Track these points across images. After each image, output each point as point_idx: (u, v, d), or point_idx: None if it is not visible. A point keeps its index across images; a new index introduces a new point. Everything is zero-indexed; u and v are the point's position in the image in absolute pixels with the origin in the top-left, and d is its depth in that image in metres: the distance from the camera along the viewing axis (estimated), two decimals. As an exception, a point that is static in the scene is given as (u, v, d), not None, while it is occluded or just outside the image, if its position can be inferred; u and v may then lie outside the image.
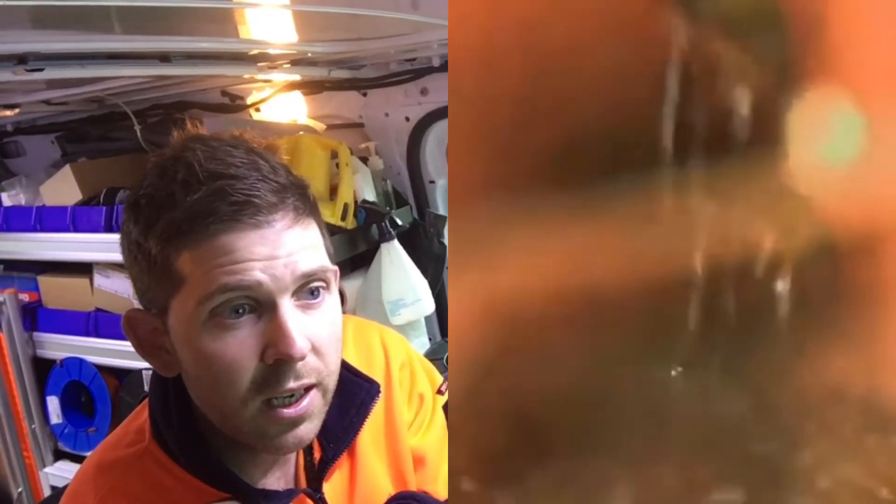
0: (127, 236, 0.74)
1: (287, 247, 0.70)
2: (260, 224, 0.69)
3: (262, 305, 0.70)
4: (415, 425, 0.94)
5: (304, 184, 0.76)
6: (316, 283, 0.73)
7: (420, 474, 0.92)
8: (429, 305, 1.99)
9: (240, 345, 0.70)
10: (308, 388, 0.73)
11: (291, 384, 0.71)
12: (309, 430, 0.74)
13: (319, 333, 0.73)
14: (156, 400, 0.80)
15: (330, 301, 0.75)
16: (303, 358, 0.70)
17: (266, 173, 0.71)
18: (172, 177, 0.70)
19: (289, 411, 0.72)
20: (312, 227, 0.74)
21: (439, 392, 0.98)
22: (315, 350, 0.72)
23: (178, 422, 0.78)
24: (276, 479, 0.82)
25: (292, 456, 0.84)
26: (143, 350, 0.77)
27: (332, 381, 0.76)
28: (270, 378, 0.70)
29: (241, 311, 0.70)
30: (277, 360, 0.70)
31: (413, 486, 0.92)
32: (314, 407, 0.74)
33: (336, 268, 0.78)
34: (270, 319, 0.70)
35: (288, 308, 0.70)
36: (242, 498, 0.77)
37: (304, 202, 0.73)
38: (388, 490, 0.89)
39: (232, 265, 0.68)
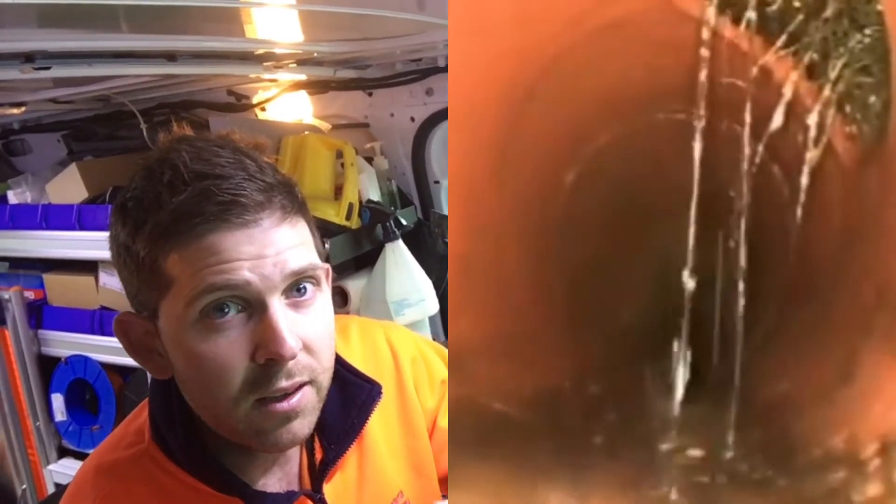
0: (115, 240, 0.74)
1: (275, 245, 0.70)
2: (247, 223, 0.69)
3: (251, 305, 0.70)
4: (442, 409, 0.95)
5: (290, 182, 0.75)
6: (305, 281, 0.73)
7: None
8: (433, 306, 1.99)
9: (230, 345, 0.69)
10: (300, 386, 0.73)
11: (283, 383, 0.71)
12: (303, 425, 0.74)
13: (311, 331, 0.73)
14: (157, 401, 0.80)
15: (321, 299, 0.75)
16: (293, 357, 0.70)
17: (252, 172, 0.70)
18: (159, 178, 0.70)
19: (281, 405, 0.72)
20: (301, 225, 0.74)
21: None
22: (307, 348, 0.72)
23: (180, 423, 0.78)
24: (278, 481, 0.82)
25: (294, 457, 0.84)
26: (135, 353, 0.77)
27: (326, 379, 0.76)
28: (262, 378, 0.70)
29: (228, 310, 0.69)
30: (268, 359, 0.70)
31: (435, 479, 0.92)
32: (307, 402, 0.74)
33: (327, 266, 0.78)
34: (260, 319, 0.70)
35: (278, 307, 0.70)
36: (242, 499, 0.77)
37: (291, 200, 0.73)
38: (400, 487, 0.89)
39: (220, 265, 0.68)
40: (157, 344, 0.74)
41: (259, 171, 0.71)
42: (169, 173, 0.69)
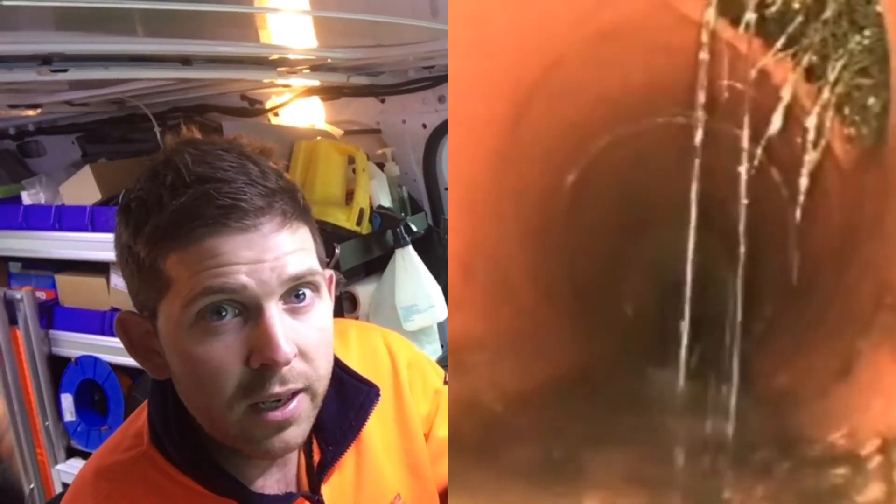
0: (118, 240, 0.75)
1: (274, 251, 0.70)
2: (246, 228, 0.69)
3: (248, 309, 0.70)
4: (439, 417, 0.95)
5: (293, 187, 0.75)
6: (304, 287, 0.73)
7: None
8: (442, 312, 1.99)
9: (225, 349, 0.69)
10: (295, 393, 0.72)
11: (277, 389, 0.71)
12: (296, 434, 0.74)
13: (307, 338, 0.73)
14: (154, 404, 0.80)
15: (320, 306, 0.75)
16: (288, 363, 0.70)
17: (255, 177, 0.70)
18: (161, 180, 0.70)
19: (275, 415, 0.71)
20: (302, 231, 0.74)
21: (445, 383, 0.99)
22: (302, 354, 0.72)
23: (177, 426, 0.78)
24: (276, 482, 0.82)
25: (292, 458, 0.84)
26: (135, 352, 0.77)
27: (321, 386, 0.76)
28: (256, 383, 0.70)
29: (225, 314, 0.69)
30: (263, 364, 0.69)
31: (432, 481, 0.92)
32: (302, 411, 0.73)
33: (330, 272, 0.77)
34: (256, 324, 0.70)
35: (274, 312, 0.70)
36: (240, 501, 0.78)
37: (293, 206, 0.73)
38: (396, 488, 0.89)
39: (217, 268, 0.68)
40: (156, 344, 0.74)
41: (261, 176, 0.71)
42: (171, 175, 0.70)
